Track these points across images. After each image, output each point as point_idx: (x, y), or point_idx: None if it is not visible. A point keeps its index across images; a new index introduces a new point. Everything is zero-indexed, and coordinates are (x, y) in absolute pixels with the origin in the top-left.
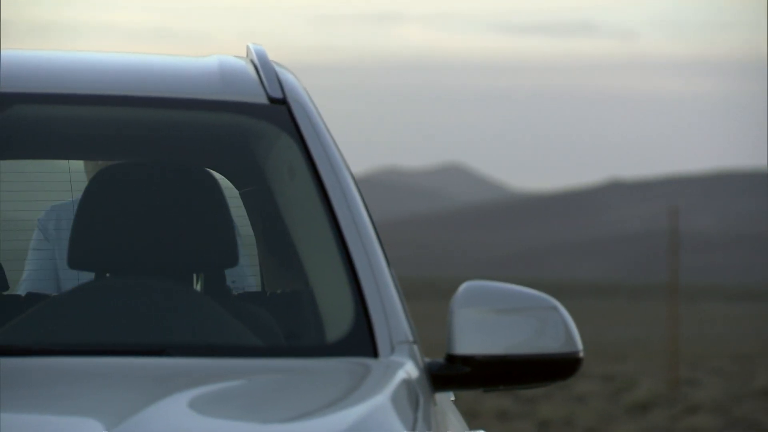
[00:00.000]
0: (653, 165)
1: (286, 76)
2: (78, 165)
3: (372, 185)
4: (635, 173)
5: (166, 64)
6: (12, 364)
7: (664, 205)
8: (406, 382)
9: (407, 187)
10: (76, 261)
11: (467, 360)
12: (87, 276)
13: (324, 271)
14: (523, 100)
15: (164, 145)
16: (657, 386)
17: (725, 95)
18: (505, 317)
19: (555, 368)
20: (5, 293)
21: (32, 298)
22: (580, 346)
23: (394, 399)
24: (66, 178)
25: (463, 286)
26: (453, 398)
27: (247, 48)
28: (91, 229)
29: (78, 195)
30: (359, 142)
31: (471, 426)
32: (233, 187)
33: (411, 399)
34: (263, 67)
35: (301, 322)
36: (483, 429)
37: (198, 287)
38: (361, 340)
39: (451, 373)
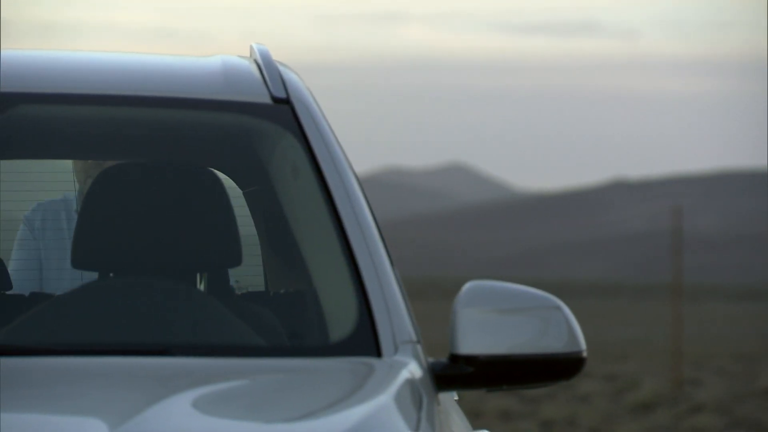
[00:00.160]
0: (655, 165)
1: (290, 76)
2: (77, 165)
3: (374, 185)
4: (637, 173)
5: (170, 64)
6: (15, 364)
7: (666, 205)
8: (410, 382)
9: (409, 187)
10: (79, 261)
11: (470, 360)
12: (68, 273)
13: (327, 271)
14: (525, 99)
15: (168, 145)
16: (660, 386)
17: (727, 95)
18: (509, 317)
19: (558, 368)
20: (8, 293)
21: (35, 297)
22: (583, 345)
23: (398, 399)
24: (67, 178)
25: (467, 286)
26: (456, 398)
27: (251, 48)
28: (95, 229)
29: (70, 194)
30: (361, 142)
31: (474, 426)
32: (237, 186)
33: (414, 399)
34: (267, 67)
35: (304, 321)
36: (486, 429)
37: (201, 287)
38: (365, 340)
39: (454, 372)
